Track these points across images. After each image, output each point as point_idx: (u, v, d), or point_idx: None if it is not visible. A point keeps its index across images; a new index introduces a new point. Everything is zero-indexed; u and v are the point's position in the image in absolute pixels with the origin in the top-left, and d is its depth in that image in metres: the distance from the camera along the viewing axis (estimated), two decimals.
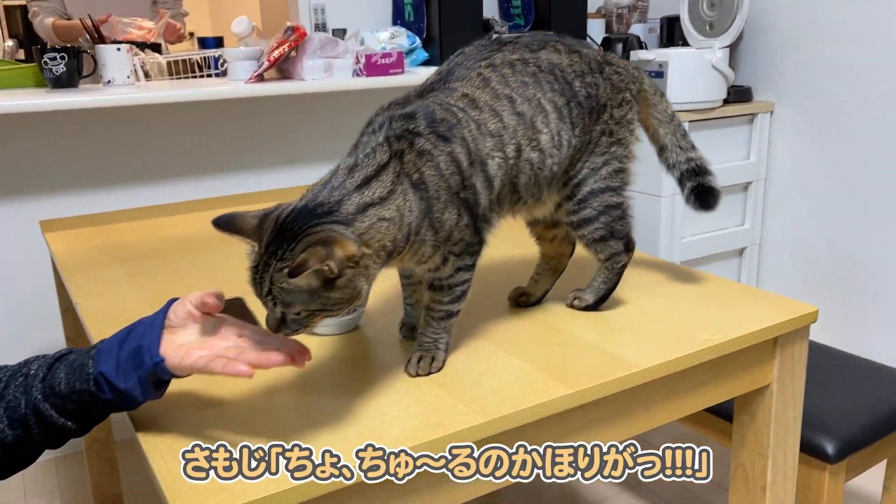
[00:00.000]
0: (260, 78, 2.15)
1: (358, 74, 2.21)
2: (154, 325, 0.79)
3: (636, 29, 2.68)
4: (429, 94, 0.92)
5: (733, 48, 2.49)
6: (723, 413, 1.43)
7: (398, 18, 2.47)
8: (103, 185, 2.19)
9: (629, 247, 1.08)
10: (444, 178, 0.87)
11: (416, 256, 0.88)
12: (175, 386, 0.86)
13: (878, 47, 2.13)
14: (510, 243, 1.45)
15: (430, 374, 0.93)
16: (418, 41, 2.35)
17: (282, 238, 0.77)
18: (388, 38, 2.35)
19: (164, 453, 0.78)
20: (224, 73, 2.49)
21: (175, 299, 0.82)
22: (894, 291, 2.17)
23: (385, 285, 1.22)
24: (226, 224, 0.80)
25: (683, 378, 0.99)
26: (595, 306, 1.11)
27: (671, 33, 2.60)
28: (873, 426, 1.42)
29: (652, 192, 2.33)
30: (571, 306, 1.12)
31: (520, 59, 0.97)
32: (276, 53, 2.13)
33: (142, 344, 0.77)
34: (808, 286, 2.42)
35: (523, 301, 1.14)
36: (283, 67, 2.22)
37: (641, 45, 2.54)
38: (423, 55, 2.36)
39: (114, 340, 0.80)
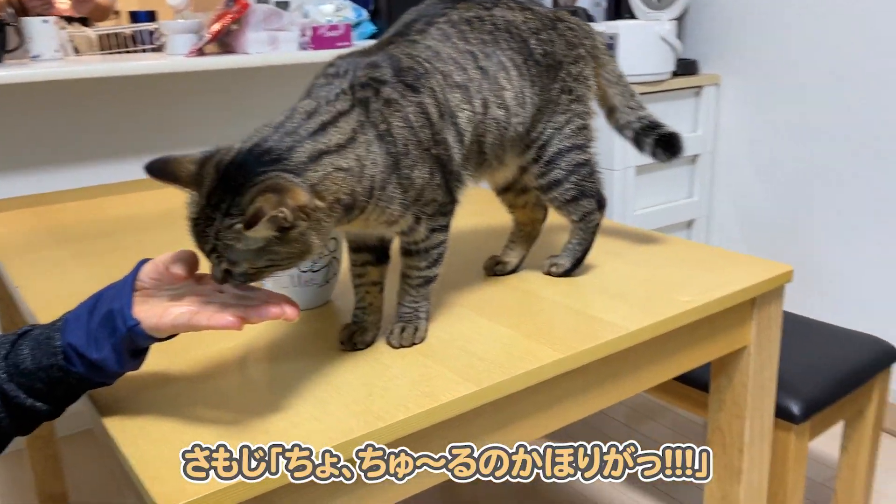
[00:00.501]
0: (200, 52, 2.06)
1: (304, 48, 2.13)
2: (124, 288, 0.72)
3: (583, 2, 2.67)
4: (389, 47, 0.88)
5: (680, 21, 2.51)
6: (695, 382, 1.43)
7: None
8: (39, 166, 2.05)
9: (601, 204, 1.06)
10: (413, 132, 0.82)
11: (384, 216, 0.82)
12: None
13: (822, 19, 2.17)
14: (482, 213, 1.42)
15: (413, 344, 0.89)
16: (365, 14, 2.29)
17: (225, 187, 0.69)
18: (334, 10, 2.27)
19: (135, 437, 0.72)
20: (159, 48, 2.38)
21: (145, 260, 0.75)
22: (838, 260, 2.23)
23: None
24: (160, 170, 0.71)
25: (667, 341, 0.98)
26: (572, 269, 1.09)
27: (618, 6, 2.60)
28: (834, 386, 1.45)
29: (604, 167, 2.32)
30: (549, 273, 1.09)
31: (476, 17, 0.94)
32: (217, 26, 2.04)
33: (112, 308, 0.70)
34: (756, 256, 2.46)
35: (499, 270, 1.11)
36: (225, 41, 2.12)
37: (590, 18, 2.53)
38: (371, 28, 2.29)
39: (81, 309, 0.73)
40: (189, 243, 0.73)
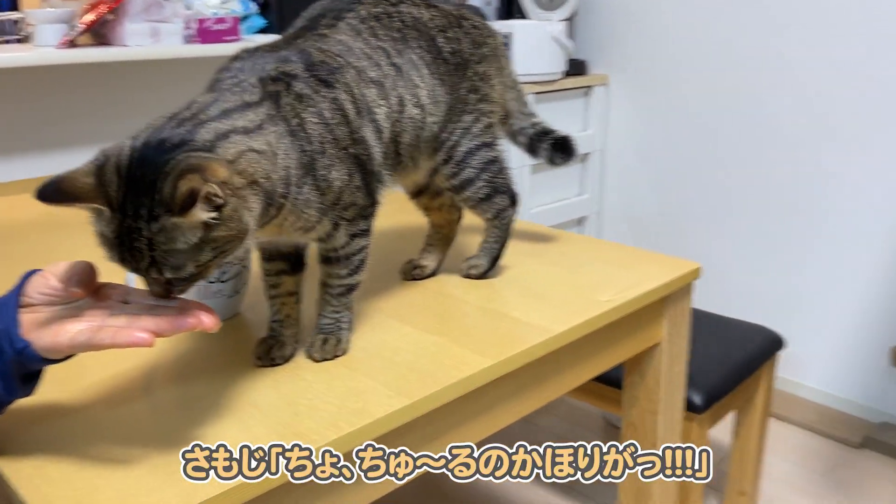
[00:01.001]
0: (72, 44, 1.90)
1: (189, 41, 2.01)
2: (8, 305, 0.63)
3: (474, 1, 2.68)
4: (298, 41, 0.83)
5: (570, 22, 2.56)
6: (608, 380, 1.45)
7: None
8: None
9: (514, 200, 1.05)
10: (328, 129, 0.77)
11: (300, 222, 0.77)
12: (27, 400, 0.71)
13: (708, 21, 2.27)
14: (394, 214, 1.37)
15: (336, 356, 0.85)
16: (254, 7, 2.19)
17: (137, 190, 0.61)
18: (219, 2, 2.16)
19: (32, 478, 0.64)
20: (24, 40, 2.18)
21: (32, 272, 0.66)
22: (724, 253, 2.35)
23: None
24: (54, 193, 0.61)
25: (588, 341, 0.98)
26: (490, 268, 1.07)
27: (509, 6, 2.62)
28: (731, 376, 1.52)
29: None
30: (468, 276, 1.07)
31: (384, 13, 0.90)
32: (91, 16, 1.89)
33: None
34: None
35: (418, 274, 1.08)
36: (100, 32, 1.97)
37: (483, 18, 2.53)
38: (261, 22, 2.19)
39: None
40: (85, 253, 0.65)
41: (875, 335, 2.06)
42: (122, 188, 0.62)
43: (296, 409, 0.74)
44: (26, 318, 0.63)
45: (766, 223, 2.22)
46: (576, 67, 2.51)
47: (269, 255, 0.85)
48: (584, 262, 1.15)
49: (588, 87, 2.54)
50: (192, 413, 0.74)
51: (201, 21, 2.00)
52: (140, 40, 1.92)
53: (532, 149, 1.13)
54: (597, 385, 1.48)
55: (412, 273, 1.08)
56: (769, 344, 1.63)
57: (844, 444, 2.05)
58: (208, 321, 0.63)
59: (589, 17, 2.55)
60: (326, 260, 0.84)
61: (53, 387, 0.77)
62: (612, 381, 1.44)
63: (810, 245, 2.13)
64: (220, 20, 2.02)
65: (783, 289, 2.23)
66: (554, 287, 1.04)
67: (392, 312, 0.97)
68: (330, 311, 0.86)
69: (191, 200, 0.59)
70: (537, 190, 2.46)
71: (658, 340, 1.11)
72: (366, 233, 0.85)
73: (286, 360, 0.84)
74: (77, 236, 1.06)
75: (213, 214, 0.62)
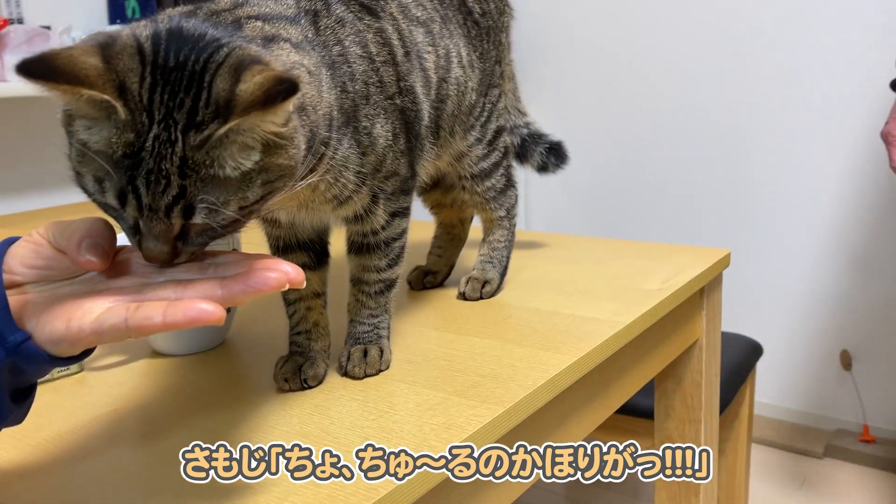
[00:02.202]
0: None
1: None
2: None
3: None
4: None
5: None
6: (627, 410, 1.30)
7: (117, 17, 2.06)
8: None
9: (517, 195, 0.92)
10: (374, 67, 0.61)
11: (335, 188, 0.59)
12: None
13: (607, 26, 2.27)
14: None
15: (380, 371, 0.66)
16: None
17: (175, 85, 0.42)
18: None
19: None
20: None
21: (11, 240, 0.45)
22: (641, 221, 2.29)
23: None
24: (44, 68, 0.40)
25: (651, 334, 0.84)
26: (502, 282, 0.89)
27: None
28: (727, 389, 1.42)
29: None
30: (480, 297, 0.86)
31: None
32: None
33: None
34: (577, 220, 2.43)
35: (430, 282, 0.91)
36: None
37: None
38: None
39: None
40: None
41: (822, 341, 2.06)
42: (151, 79, 0.42)
43: (363, 433, 0.56)
44: (15, 301, 0.42)
45: (701, 231, 2.20)
46: None
47: (284, 246, 0.67)
48: (606, 258, 1.02)
49: None
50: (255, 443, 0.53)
51: None
52: None
53: (523, 151, 0.99)
54: (616, 417, 1.32)
55: (424, 281, 0.91)
56: (750, 352, 1.56)
57: (808, 456, 2.01)
58: (295, 274, 0.42)
59: None
60: (361, 249, 0.67)
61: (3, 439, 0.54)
62: (629, 410, 1.29)
63: (748, 253, 2.12)
64: None
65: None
66: (592, 283, 0.91)
67: (422, 322, 0.79)
68: (367, 314, 0.68)
69: (274, 97, 0.41)
70: None
71: (697, 337, 0.99)
72: (406, 212, 0.68)
73: (319, 381, 0.65)
74: None
75: (284, 128, 0.44)
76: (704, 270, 0.94)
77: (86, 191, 0.44)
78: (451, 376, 0.65)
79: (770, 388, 2.16)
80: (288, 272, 0.42)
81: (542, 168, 1.00)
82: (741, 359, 1.53)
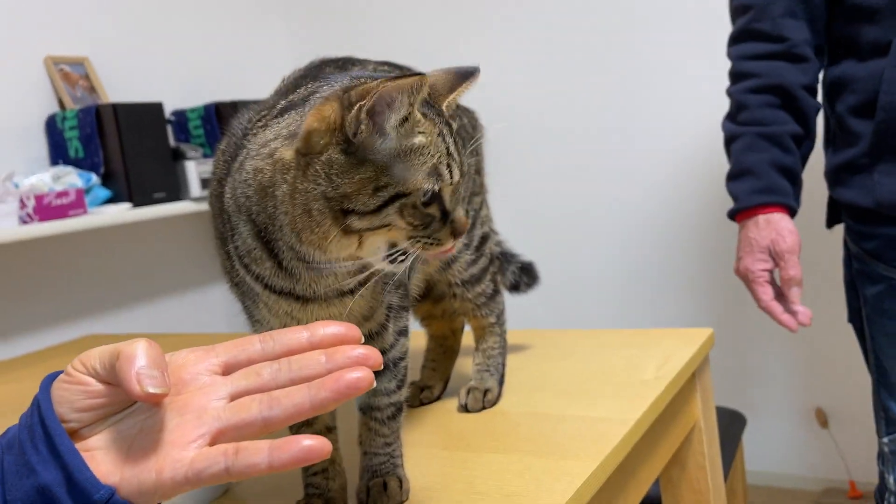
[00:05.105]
0: None
1: (26, 221, 1.74)
2: (53, 436, 0.38)
3: None
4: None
5: None
6: None
7: (60, 157, 2.04)
8: None
9: (504, 302, 0.93)
10: None
11: (372, 302, 0.62)
12: None
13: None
14: None
15: (402, 502, 0.64)
16: (95, 178, 1.96)
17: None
18: (52, 179, 1.91)
19: None
20: None
21: (50, 378, 0.41)
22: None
23: None
24: None
25: (657, 426, 0.84)
26: (501, 388, 0.88)
27: None
28: (725, 463, 1.42)
29: None
30: (482, 408, 0.84)
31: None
32: None
33: (43, 482, 0.37)
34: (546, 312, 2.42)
35: (426, 397, 0.89)
36: None
37: None
38: (105, 193, 1.95)
39: None
40: None
41: (796, 401, 2.08)
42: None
43: None
44: (86, 450, 0.39)
45: (668, 309, 2.23)
46: None
47: None
48: (593, 351, 1.03)
49: None
50: None
51: (40, 198, 1.74)
52: None
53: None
54: None
55: (420, 398, 0.89)
56: (735, 423, 1.57)
57: None
58: (374, 358, 0.41)
59: None
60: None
61: None
62: None
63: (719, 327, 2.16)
64: (63, 194, 1.79)
65: None
66: (589, 379, 0.91)
67: (429, 441, 0.77)
68: (381, 443, 0.66)
69: None
70: None
71: (695, 420, 0.99)
72: (408, 332, 0.68)
73: None
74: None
75: None
76: (694, 354, 0.95)
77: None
78: (475, 500, 0.63)
79: (754, 455, 2.16)
80: (368, 356, 0.41)
81: (514, 287, 1.00)
82: (728, 431, 1.53)
